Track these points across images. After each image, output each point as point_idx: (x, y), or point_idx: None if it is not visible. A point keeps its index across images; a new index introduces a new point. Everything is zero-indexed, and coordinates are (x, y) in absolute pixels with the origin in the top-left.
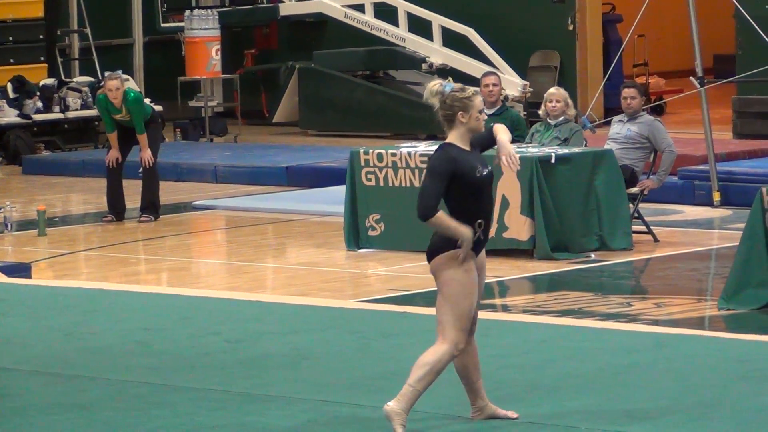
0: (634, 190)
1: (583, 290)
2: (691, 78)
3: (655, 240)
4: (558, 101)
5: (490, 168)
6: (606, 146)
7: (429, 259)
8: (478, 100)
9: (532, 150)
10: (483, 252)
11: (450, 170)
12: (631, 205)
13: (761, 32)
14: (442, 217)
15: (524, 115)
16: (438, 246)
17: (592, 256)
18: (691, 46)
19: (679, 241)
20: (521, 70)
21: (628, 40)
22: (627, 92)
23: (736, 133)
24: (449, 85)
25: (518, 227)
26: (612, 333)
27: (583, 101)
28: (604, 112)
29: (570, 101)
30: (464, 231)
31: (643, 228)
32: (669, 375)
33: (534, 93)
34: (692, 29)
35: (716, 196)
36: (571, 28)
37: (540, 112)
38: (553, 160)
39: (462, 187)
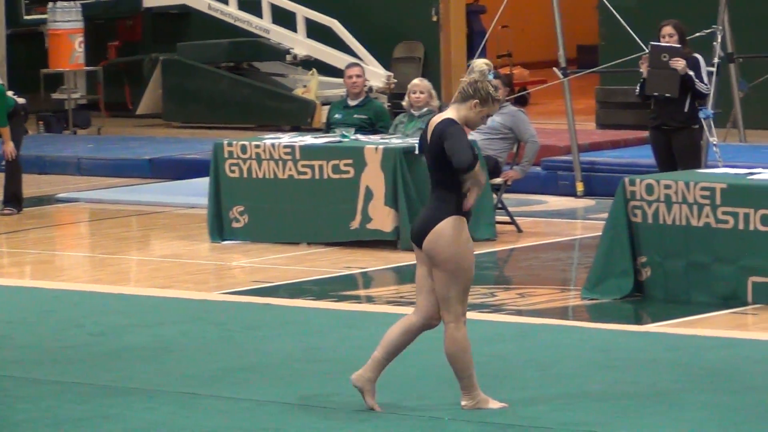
0: (498, 180)
1: None
2: (554, 69)
3: (519, 230)
4: (421, 92)
5: None
6: (469, 137)
7: (419, 239)
8: (495, 108)
9: (396, 141)
10: None
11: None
12: (494, 196)
13: (624, 23)
14: (476, 185)
15: (388, 106)
16: (428, 222)
17: None
18: (554, 37)
19: (542, 231)
20: (385, 62)
21: (492, 30)
22: None
23: (599, 124)
24: (492, 74)
25: (382, 218)
26: (475, 323)
27: (447, 92)
28: None
29: (434, 92)
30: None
31: (507, 218)
32: (532, 365)
33: (398, 84)
34: (555, 20)
35: (579, 187)
36: (435, 19)
37: (404, 103)
38: (416, 151)
39: None
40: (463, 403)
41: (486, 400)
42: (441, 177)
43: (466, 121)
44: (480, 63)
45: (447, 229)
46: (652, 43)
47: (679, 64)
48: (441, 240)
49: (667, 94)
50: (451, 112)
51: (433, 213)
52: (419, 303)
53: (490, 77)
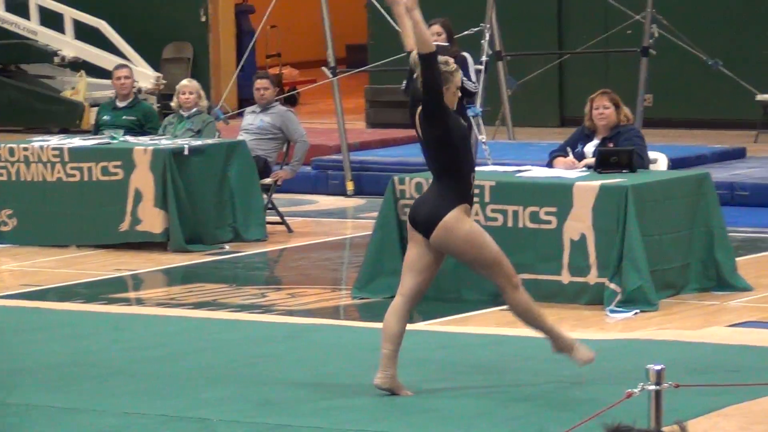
0: (268, 180)
1: (217, 282)
2: (323, 68)
3: (289, 230)
4: (191, 93)
5: None
6: (239, 137)
7: (428, 231)
8: (458, 77)
9: (165, 142)
10: None
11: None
12: (264, 196)
13: (392, 22)
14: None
15: (157, 107)
16: (434, 215)
17: (227, 247)
18: (323, 36)
19: (312, 231)
20: (154, 62)
21: (261, 30)
22: (260, 83)
23: (369, 123)
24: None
25: (152, 220)
26: (246, 324)
27: (217, 92)
28: (238, 102)
29: (202, 92)
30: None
31: (277, 218)
32: (304, 364)
33: (167, 85)
34: (324, 19)
35: (350, 186)
36: (203, 19)
37: (173, 104)
38: (186, 152)
39: (456, 140)
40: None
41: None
42: (441, 165)
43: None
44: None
45: (452, 223)
46: None
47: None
48: (450, 235)
49: None
50: None
51: (438, 203)
52: (404, 282)
53: None
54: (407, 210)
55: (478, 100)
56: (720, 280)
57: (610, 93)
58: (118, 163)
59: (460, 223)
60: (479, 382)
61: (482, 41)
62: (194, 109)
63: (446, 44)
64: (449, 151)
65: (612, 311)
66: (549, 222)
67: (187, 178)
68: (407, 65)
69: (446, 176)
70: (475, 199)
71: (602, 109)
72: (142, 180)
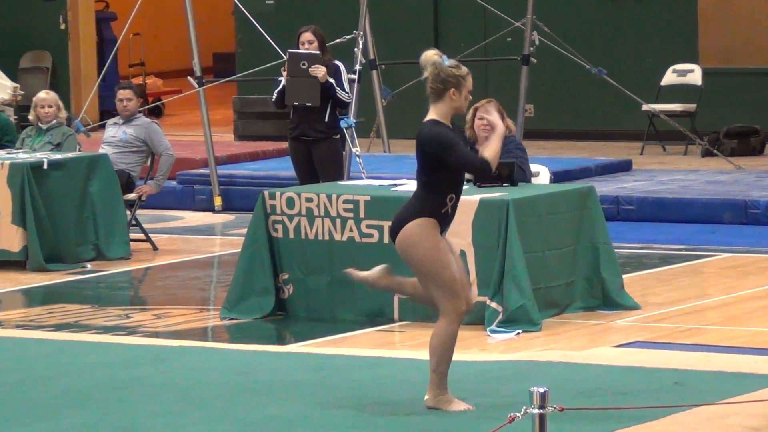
0: (132, 196)
1: (79, 303)
2: (189, 78)
3: (154, 248)
4: (50, 106)
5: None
6: (101, 150)
7: (394, 236)
8: (470, 81)
9: (23, 156)
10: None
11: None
12: (128, 212)
13: (261, 29)
14: (489, 150)
15: (15, 119)
16: (401, 222)
17: (88, 266)
18: (189, 45)
19: (179, 249)
20: (11, 72)
21: (123, 38)
22: (122, 94)
23: (237, 135)
24: (447, 58)
25: (9, 237)
26: (110, 347)
27: (77, 103)
28: (99, 114)
29: (61, 104)
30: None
31: (142, 236)
32: (170, 388)
33: (25, 96)
34: (189, 27)
35: (217, 201)
36: (63, 27)
37: (30, 117)
38: (45, 166)
39: (452, 165)
40: (426, 397)
41: (449, 401)
42: (426, 179)
43: (454, 112)
44: (428, 55)
45: (414, 231)
46: (290, 50)
47: (320, 71)
48: (408, 241)
49: (307, 104)
50: (432, 113)
51: (407, 212)
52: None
53: (445, 62)
54: (278, 226)
55: (352, 111)
56: (606, 299)
57: (495, 103)
58: None
59: (422, 232)
60: (355, 406)
61: (355, 49)
62: (53, 122)
63: (317, 53)
64: (430, 170)
65: (493, 331)
66: None
67: (47, 194)
68: (276, 74)
69: (427, 190)
70: (350, 214)
71: (486, 120)
72: (0, 196)
